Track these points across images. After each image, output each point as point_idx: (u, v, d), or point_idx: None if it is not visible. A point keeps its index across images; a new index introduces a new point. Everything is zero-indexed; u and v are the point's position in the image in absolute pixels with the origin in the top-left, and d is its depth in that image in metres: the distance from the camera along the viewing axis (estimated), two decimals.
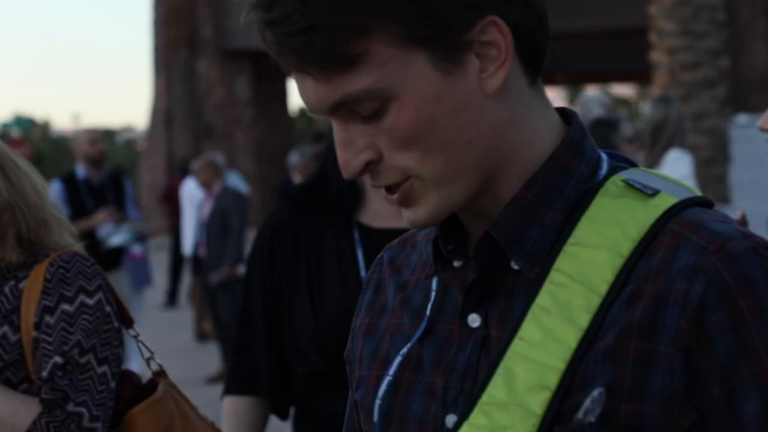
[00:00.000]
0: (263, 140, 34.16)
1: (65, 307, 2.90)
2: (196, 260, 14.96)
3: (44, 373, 2.86)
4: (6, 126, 25.10)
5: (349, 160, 1.43)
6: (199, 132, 31.48)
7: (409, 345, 1.55)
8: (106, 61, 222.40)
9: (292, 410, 3.70)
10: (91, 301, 2.91)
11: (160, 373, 3.08)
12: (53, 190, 10.08)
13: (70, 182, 10.84)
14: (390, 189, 1.46)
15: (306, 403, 3.51)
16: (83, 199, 10.74)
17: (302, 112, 51.85)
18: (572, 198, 1.45)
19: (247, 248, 12.35)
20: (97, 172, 10.96)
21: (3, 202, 2.91)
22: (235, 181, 16.52)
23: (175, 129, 31.75)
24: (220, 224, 13.58)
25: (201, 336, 15.55)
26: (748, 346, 1.29)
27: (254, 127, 34.46)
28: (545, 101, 1.52)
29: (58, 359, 2.86)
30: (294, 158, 15.95)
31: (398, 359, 1.56)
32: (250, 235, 12.02)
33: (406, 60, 1.37)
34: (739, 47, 20.40)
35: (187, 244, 14.53)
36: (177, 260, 17.12)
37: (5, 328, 2.91)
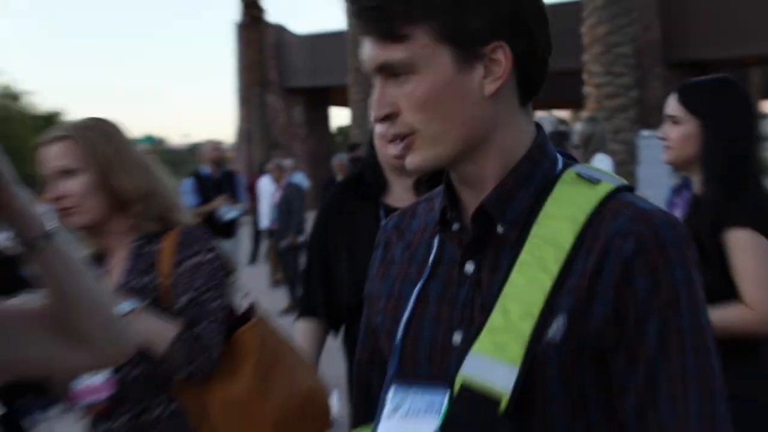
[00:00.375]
0: (312, 150, 33.69)
1: (190, 261, 2.84)
2: (271, 231, 14.86)
3: (177, 306, 2.81)
4: (139, 142, 25.26)
5: (378, 108, 1.45)
6: (269, 145, 31.02)
7: (420, 285, 1.56)
8: (204, 96, 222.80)
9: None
10: (207, 257, 2.87)
11: (252, 306, 3.03)
12: (187, 184, 10.29)
13: (198, 178, 10.68)
14: (396, 139, 1.48)
15: (348, 324, 3.48)
16: (208, 189, 10.55)
17: (339, 130, 49.34)
18: (540, 185, 1.48)
19: (305, 224, 12.90)
20: (217, 170, 10.85)
21: (149, 192, 2.84)
22: (301, 178, 16.51)
23: (252, 143, 31.37)
24: (286, 207, 13.45)
25: (275, 283, 15.41)
26: (657, 284, 1.34)
27: (306, 141, 33.85)
28: (528, 117, 1.53)
29: (186, 297, 2.82)
30: (334, 161, 16.09)
31: (414, 297, 1.56)
32: (307, 215, 12.24)
33: (435, 50, 1.39)
34: (644, 83, 20.40)
35: (264, 220, 14.56)
36: (256, 232, 17.39)
37: (150, 276, 2.85)
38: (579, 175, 1.49)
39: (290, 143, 33.42)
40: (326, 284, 3.51)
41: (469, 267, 1.50)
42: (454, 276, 1.53)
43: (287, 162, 15.91)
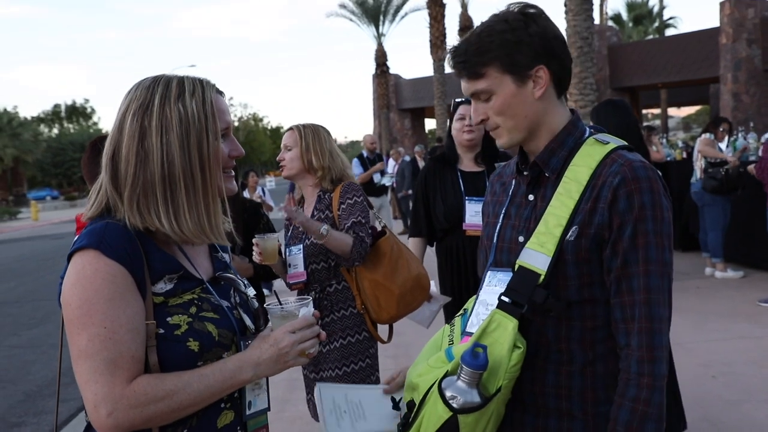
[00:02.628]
0: (415, 143, 31.25)
1: (349, 201, 2.95)
2: (392, 188, 14.16)
3: (347, 225, 2.90)
4: None
5: (476, 117, 1.50)
6: (390, 141, 31.74)
7: (505, 207, 1.60)
8: (356, 113, 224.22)
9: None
10: (358, 200, 3.00)
11: (384, 226, 3.09)
12: (355, 162, 10.64)
13: (361, 157, 10.80)
14: (491, 131, 1.52)
15: (440, 240, 3.55)
16: (366, 164, 10.73)
17: (429, 131, 45.66)
18: (571, 146, 1.49)
19: (411, 184, 12.61)
20: (372, 153, 10.88)
21: (327, 165, 3.02)
22: (408, 158, 15.28)
23: (382, 140, 31.40)
24: (401, 174, 13.60)
25: (395, 217, 14.97)
26: (632, 204, 1.37)
27: (411, 138, 35.06)
28: (563, 105, 1.53)
29: (350, 222, 2.92)
30: (416, 149, 16.09)
31: (502, 214, 1.60)
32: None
33: (502, 79, 1.45)
34: (600, 100, 22.89)
35: (387, 182, 12.14)
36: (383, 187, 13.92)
37: (327, 212, 2.98)
38: (596, 140, 1.48)
39: (402, 140, 34.80)
40: (426, 215, 3.57)
41: (531, 196, 1.53)
42: (523, 202, 1.55)
43: (401, 149, 16.95)
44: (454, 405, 1.35)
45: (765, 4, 22.08)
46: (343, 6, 34.08)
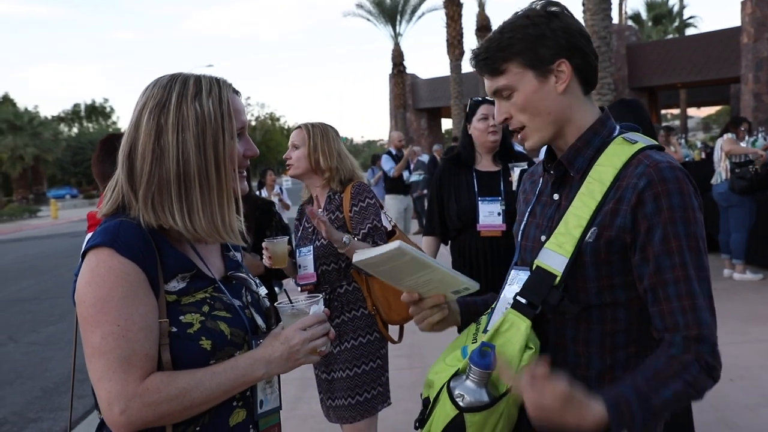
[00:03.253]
0: (431, 142, 31.77)
1: (361, 204, 2.89)
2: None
3: (363, 231, 2.88)
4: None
5: (499, 116, 1.49)
6: (407, 140, 29.18)
7: (531, 206, 1.59)
8: (373, 113, 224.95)
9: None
10: (371, 201, 2.95)
11: (395, 225, 3.02)
12: (386, 158, 10.78)
13: (390, 154, 10.76)
14: (516, 132, 1.50)
15: (453, 239, 3.56)
16: (396, 160, 10.68)
17: (446, 131, 45.01)
18: (598, 145, 1.46)
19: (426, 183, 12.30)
20: (399, 150, 10.84)
21: (333, 168, 2.96)
22: (425, 157, 15.18)
23: (392, 142, 34.03)
24: (417, 172, 13.04)
25: (412, 216, 13.42)
26: (659, 207, 1.34)
27: (428, 137, 34.91)
28: (591, 102, 1.50)
29: (366, 227, 2.89)
30: (434, 149, 16.24)
31: (527, 213, 1.60)
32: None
33: (523, 74, 1.43)
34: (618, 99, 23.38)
35: (415, 178, 12.51)
36: None
37: (338, 213, 2.92)
38: (624, 139, 1.46)
39: (419, 139, 34.47)
40: (440, 216, 3.58)
41: (556, 195, 1.51)
42: (548, 201, 1.54)
43: (417, 149, 15.83)
44: (461, 404, 1.35)
45: None
46: (360, 6, 34.10)
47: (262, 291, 1.59)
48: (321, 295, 1.52)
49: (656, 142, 1.48)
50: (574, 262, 1.39)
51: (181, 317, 1.36)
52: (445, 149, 15.04)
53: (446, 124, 41.64)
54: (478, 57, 1.48)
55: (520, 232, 1.60)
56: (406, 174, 10.82)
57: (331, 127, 3.06)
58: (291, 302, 1.48)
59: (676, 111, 42.95)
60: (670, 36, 46.47)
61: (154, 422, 1.30)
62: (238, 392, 1.39)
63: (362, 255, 1.44)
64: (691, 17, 51.53)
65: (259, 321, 1.50)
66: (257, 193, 9.17)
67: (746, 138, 7.73)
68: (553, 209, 1.52)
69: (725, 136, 7.60)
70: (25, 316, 9.12)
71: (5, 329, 8.39)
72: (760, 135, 9.17)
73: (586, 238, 1.39)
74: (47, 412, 5.32)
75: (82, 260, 1.35)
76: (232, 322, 1.40)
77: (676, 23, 49.35)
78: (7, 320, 8.93)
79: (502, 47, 1.44)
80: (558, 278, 1.39)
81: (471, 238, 3.35)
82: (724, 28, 24.89)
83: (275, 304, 1.52)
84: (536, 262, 1.43)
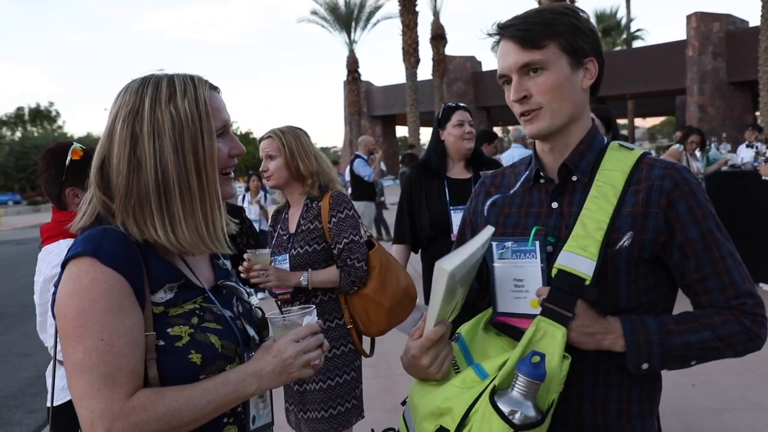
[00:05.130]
0: (386, 149, 35.14)
1: (339, 215, 2.84)
2: None
3: (339, 247, 2.84)
4: None
5: (516, 93, 1.44)
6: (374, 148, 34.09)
7: (518, 220, 1.54)
8: (326, 120, 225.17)
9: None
10: (349, 213, 2.88)
11: (371, 236, 3.01)
12: (362, 162, 10.27)
13: (361, 158, 10.30)
14: (526, 114, 1.46)
15: (424, 248, 3.55)
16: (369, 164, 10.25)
17: (401, 139, 44.75)
18: (598, 150, 1.48)
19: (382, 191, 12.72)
20: (368, 153, 10.52)
21: (315, 172, 2.90)
22: (382, 165, 13.95)
23: (352, 147, 30.51)
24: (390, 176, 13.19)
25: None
26: (690, 207, 1.37)
27: (383, 145, 35.16)
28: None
29: (342, 243, 2.83)
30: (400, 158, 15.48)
31: (524, 225, 1.52)
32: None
33: (559, 57, 1.42)
34: None
35: (389, 183, 12.01)
36: None
37: (316, 223, 2.85)
38: (621, 145, 1.49)
39: (377, 146, 37.81)
40: (411, 224, 3.54)
41: (554, 204, 1.48)
42: (543, 211, 1.50)
43: (379, 157, 15.26)
44: (515, 421, 1.23)
45: (730, 19, 22.65)
46: (314, 12, 34.10)
47: (254, 300, 1.52)
48: (313, 306, 1.46)
49: (645, 149, 1.52)
50: (602, 266, 1.36)
51: (169, 330, 1.28)
52: (401, 156, 15.16)
53: (401, 131, 41.84)
54: (515, 25, 1.43)
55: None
56: (382, 180, 10.49)
57: (300, 129, 2.97)
58: (282, 313, 1.41)
59: (623, 121, 44.08)
60: (619, 48, 47.66)
61: None
62: (229, 409, 1.32)
63: (454, 260, 1.29)
64: (638, 30, 52.96)
65: (251, 332, 1.44)
66: (242, 197, 9.25)
67: (697, 150, 7.72)
68: (555, 218, 1.47)
69: (672, 147, 7.68)
70: None
71: None
72: (712, 146, 9.35)
73: (621, 242, 1.38)
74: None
75: (62, 270, 1.26)
76: (223, 334, 1.34)
77: (624, 35, 50.72)
78: None
79: (546, 23, 1.42)
80: (587, 281, 1.34)
81: (444, 246, 3.25)
82: (671, 41, 25.75)
83: (267, 315, 1.46)
84: (558, 266, 1.37)
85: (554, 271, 1.38)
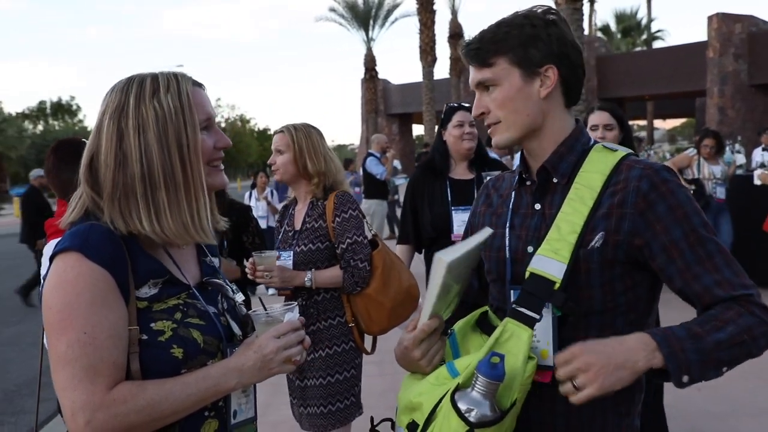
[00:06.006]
0: (403, 149, 35.15)
1: (343, 215, 2.84)
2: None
3: (342, 246, 2.85)
4: None
5: (476, 110, 1.50)
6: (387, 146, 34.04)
7: (509, 219, 1.54)
8: (344, 118, 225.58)
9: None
10: (354, 213, 2.86)
11: (375, 235, 3.01)
12: (374, 160, 10.15)
13: (374, 156, 10.21)
14: (489, 127, 1.49)
15: (428, 248, 3.55)
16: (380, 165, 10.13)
17: (417, 137, 44.41)
18: (579, 152, 1.48)
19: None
20: (381, 152, 10.35)
21: (321, 172, 2.90)
22: (397, 163, 15.93)
23: (369, 145, 32.95)
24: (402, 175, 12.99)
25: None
26: (670, 206, 1.36)
27: (399, 143, 35.11)
28: (570, 116, 1.51)
29: (345, 243, 2.84)
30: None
31: (508, 225, 1.54)
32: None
33: (510, 71, 1.43)
34: (588, 111, 23.33)
35: (399, 182, 12.86)
36: None
37: (320, 222, 2.87)
38: (604, 147, 1.48)
39: (390, 144, 35.93)
40: (414, 224, 3.54)
41: (537, 206, 1.49)
42: (528, 212, 1.51)
43: (391, 154, 15.30)
44: (471, 419, 1.26)
45: (752, 20, 22.28)
46: (332, 10, 34.09)
47: (239, 297, 1.54)
48: (296, 303, 1.47)
49: (633, 151, 1.51)
50: (572, 268, 1.36)
51: (152, 324, 1.30)
52: (417, 155, 15.15)
53: (417, 130, 41.73)
54: (469, 46, 1.47)
55: (506, 246, 1.54)
56: (395, 178, 10.57)
57: (314, 128, 2.99)
58: (266, 310, 1.43)
59: (642, 122, 43.69)
60: (639, 48, 47.17)
61: None
62: (209, 403, 1.34)
63: (453, 253, 1.35)
64: (659, 31, 52.46)
65: (235, 328, 1.45)
66: (249, 193, 9.26)
67: (714, 154, 7.42)
68: (537, 219, 1.49)
69: (682, 153, 7.59)
70: None
71: None
72: (727, 149, 9.13)
73: (593, 243, 1.38)
74: (8, 415, 5.20)
75: (50, 264, 1.29)
76: (205, 330, 1.36)
77: (645, 36, 50.19)
78: None
79: (496, 40, 1.43)
80: (557, 284, 1.35)
81: (445, 247, 3.32)
82: (691, 42, 25.52)
83: (250, 312, 1.47)
84: (530, 270, 1.39)
85: (527, 274, 1.40)
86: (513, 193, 1.58)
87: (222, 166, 1.46)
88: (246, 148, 67.63)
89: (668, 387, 3.61)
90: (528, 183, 1.54)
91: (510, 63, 1.44)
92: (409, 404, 1.41)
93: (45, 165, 2.72)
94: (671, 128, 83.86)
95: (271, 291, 7.48)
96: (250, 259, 2.88)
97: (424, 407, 1.36)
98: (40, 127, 65.56)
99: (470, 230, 1.67)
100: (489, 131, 1.50)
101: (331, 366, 2.88)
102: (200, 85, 1.43)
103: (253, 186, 9.46)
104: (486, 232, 1.46)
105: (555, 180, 1.48)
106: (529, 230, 1.50)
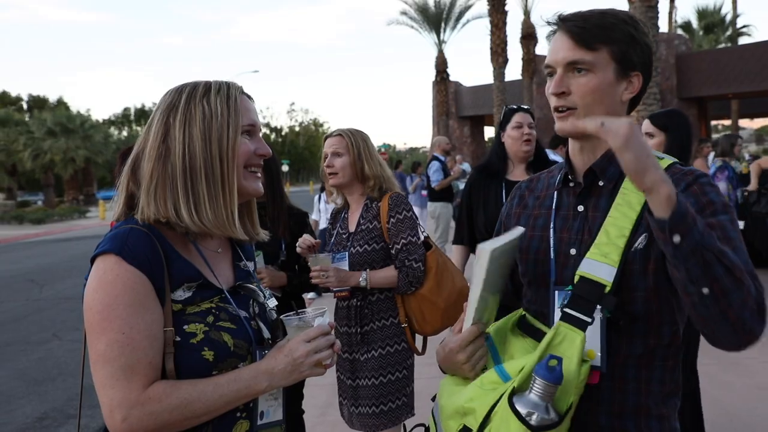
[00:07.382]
0: (475, 151, 35.04)
1: (398, 216, 2.87)
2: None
3: (397, 247, 2.87)
4: (381, 147, 25.17)
5: (556, 87, 1.42)
6: (450, 148, 33.73)
7: (553, 220, 1.53)
8: (415, 121, 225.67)
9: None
10: (408, 214, 2.89)
11: (427, 237, 3.00)
12: (434, 164, 9.88)
13: (437, 160, 9.93)
14: (560, 110, 1.44)
15: None
16: (447, 169, 10.11)
17: (489, 139, 40.55)
18: None
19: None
20: (446, 154, 10.33)
21: (377, 175, 2.96)
22: (466, 165, 16.35)
23: (440, 147, 33.98)
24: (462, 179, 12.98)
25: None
26: (701, 204, 1.36)
27: (471, 145, 35.19)
28: None
29: (400, 243, 2.88)
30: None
31: (552, 227, 1.52)
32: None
33: (608, 63, 1.40)
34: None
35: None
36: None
37: (375, 223, 2.89)
38: None
39: (462, 147, 34.22)
40: (470, 226, 3.60)
41: (580, 207, 1.48)
42: (570, 214, 1.49)
43: (458, 156, 17.19)
44: (532, 422, 1.24)
45: None
46: (404, 13, 34.15)
47: (271, 302, 1.57)
48: (326, 308, 1.50)
49: (677, 159, 1.50)
50: (622, 272, 1.36)
51: (185, 327, 1.35)
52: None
53: (489, 132, 41.32)
54: (575, 21, 1.43)
55: (538, 249, 1.53)
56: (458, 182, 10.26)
57: (365, 133, 3.04)
58: (297, 314, 1.46)
59: (727, 122, 41.78)
60: (722, 45, 45.12)
61: (154, 431, 1.29)
62: (240, 404, 1.38)
63: (495, 243, 1.36)
64: (744, 26, 49.84)
65: (265, 332, 1.49)
66: (318, 197, 9.31)
67: None
68: (579, 222, 1.48)
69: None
70: (70, 313, 9.28)
71: (51, 326, 8.53)
72: None
73: (636, 245, 1.37)
74: (86, 409, 5.36)
75: (91, 265, 1.35)
76: (236, 334, 1.40)
77: (729, 32, 47.96)
78: (54, 318, 9.09)
79: (605, 27, 1.41)
80: (608, 287, 1.35)
81: None
82: None
83: (281, 316, 1.50)
84: (580, 273, 1.38)
85: (576, 278, 1.39)
86: (555, 193, 1.57)
87: (259, 174, 1.50)
88: (318, 151, 68.45)
89: (735, 394, 3.57)
90: (572, 185, 1.53)
91: (610, 55, 1.42)
92: (460, 409, 1.40)
93: (115, 170, 2.83)
94: (759, 128, 79.83)
95: (311, 294, 7.52)
96: (309, 264, 2.92)
97: (478, 412, 1.35)
98: (124, 133, 68.59)
99: (501, 233, 1.65)
100: (558, 115, 1.45)
101: (383, 366, 2.90)
102: (250, 97, 1.49)
103: (322, 189, 9.46)
104: (518, 231, 1.45)
105: (601, 183, 1.47)
106: (571, 232, 1.49)
